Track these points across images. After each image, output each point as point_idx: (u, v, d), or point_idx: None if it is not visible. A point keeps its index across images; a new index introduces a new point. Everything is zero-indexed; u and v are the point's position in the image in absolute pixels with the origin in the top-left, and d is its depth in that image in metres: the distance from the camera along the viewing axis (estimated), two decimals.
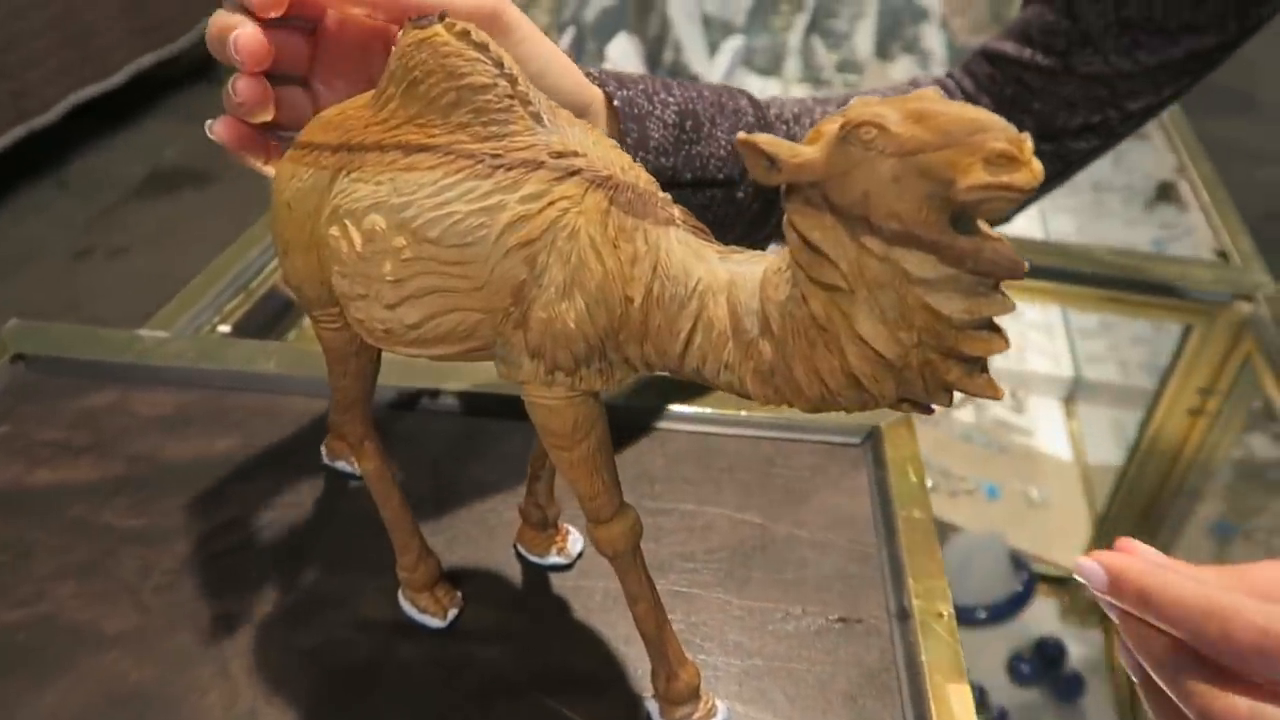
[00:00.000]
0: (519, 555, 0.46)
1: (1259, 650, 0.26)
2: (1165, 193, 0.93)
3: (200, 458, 0.50)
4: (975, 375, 0.25)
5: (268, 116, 0.37)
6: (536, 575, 0.45)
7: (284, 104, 0.39)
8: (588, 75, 0.44)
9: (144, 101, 3.23)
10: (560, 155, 0.29)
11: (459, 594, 0.43)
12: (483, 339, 0.31)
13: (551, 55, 0.40)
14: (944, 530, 0.91)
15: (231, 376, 0.55)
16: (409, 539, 0.41)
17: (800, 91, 1.73)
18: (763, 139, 0.24)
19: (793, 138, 0.51)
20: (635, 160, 0.34)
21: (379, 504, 0.41)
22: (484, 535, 0.47)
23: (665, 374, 0.31)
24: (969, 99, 0.58)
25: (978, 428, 1.03)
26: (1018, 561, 0.88)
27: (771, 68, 1.80)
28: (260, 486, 0.48)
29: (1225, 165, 0.94)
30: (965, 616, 0.86)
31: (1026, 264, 0.23)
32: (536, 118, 0.30)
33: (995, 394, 0.25)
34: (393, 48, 0.32)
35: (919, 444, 0.53)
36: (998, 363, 0.86)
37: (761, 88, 1.70)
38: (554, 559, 0.45)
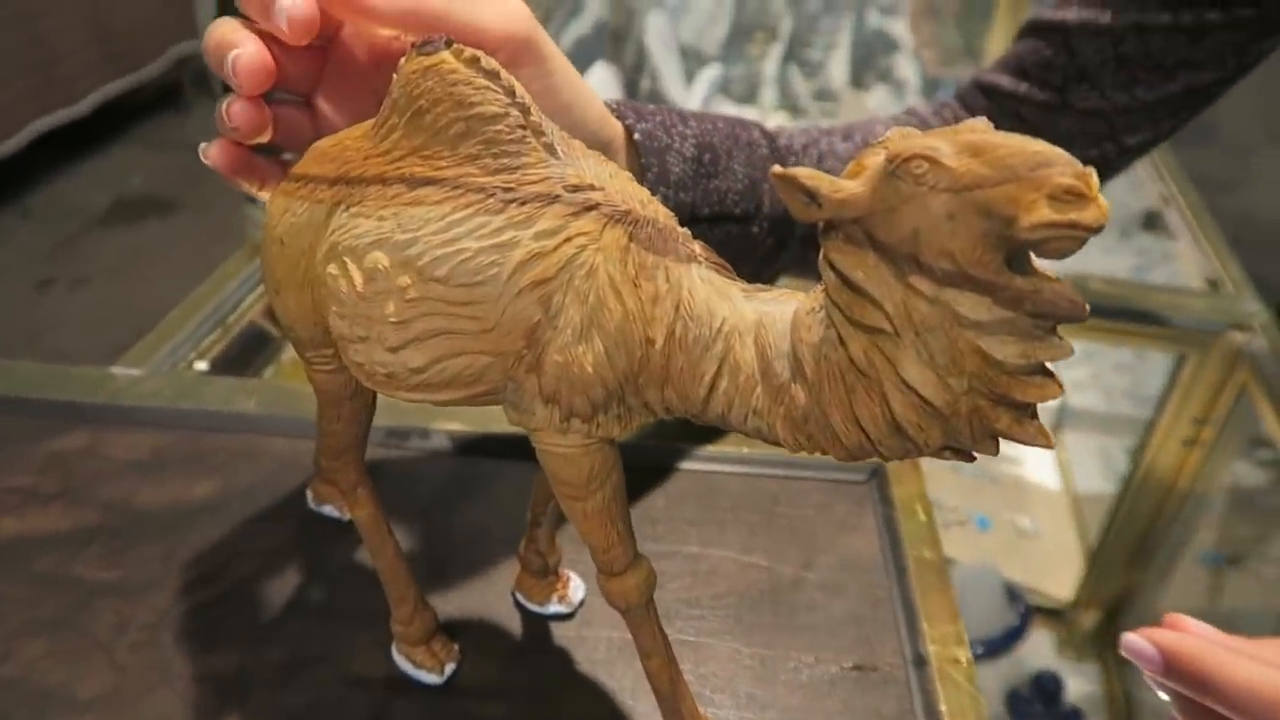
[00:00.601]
0: (518, 604, 0.44)
1: None
2: (1152, 221, 0.94)
3: (178, 503, 0.47)
4: (1025, 423, 0.24)
5: (265, 139, 0.35)
6: (537, 625, 0.43)
7: (283, 123, 0.36)
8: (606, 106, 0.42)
9: (110, 129, 3.19)
10: (577, 189, 0.28)
11: (456, 647, 0.41)
12: (492, 384, 0.29)
13: (580, 87, 0.39)
14: None
15: (210, 416, 0.52)
16: (405, 590, 0.39)
17: (778, 120, 1.73)
18: (803, 173, 0.23)
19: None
20: (655, 195, 0.33)
21: (372, 553, 0.39)
22: (481, 583, 0.44)
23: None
24: (984, 91, 0.57)
25: None
26: (1013, 594, 0.87)
27: (748, 96, 1.81)
28: (242, 534, 0.46)
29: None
30: None
31: (1088, 306, 0.22)
32: (550, 149, 0.28)
33: (1048, 443, 0.24)
34: (394, 74, 0.30)
35: (924, 479, 0.51)
36: None
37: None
38: (555, 608, 0.43)
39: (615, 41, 1.77)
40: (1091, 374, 1.14)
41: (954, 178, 0.21)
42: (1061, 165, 0.20)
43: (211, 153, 0.35)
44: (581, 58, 1.71)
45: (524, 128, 0.28)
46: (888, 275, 0.23)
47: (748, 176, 0.47)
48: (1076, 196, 0.20)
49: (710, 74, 1.66)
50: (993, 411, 0.23)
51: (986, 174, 0.21)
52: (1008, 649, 0.84)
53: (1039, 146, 0.21)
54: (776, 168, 0.24)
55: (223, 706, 0.39)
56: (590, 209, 0.28)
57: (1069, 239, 0.20)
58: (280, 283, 0.33)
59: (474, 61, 0.28)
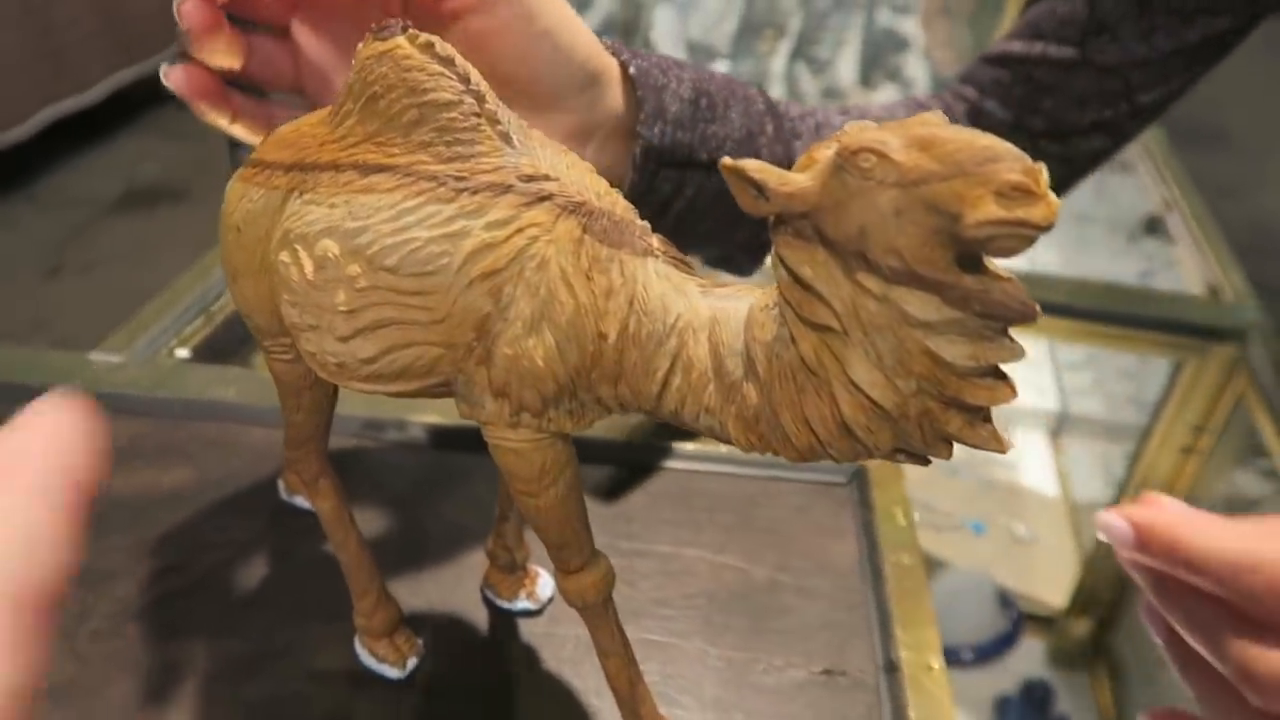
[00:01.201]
0: (486, 600, 0.43)
1: None
2: (1153, 226, 0.92)
3: (149, 492, 0.47)
4: (978, 426, 0.23)
5: (233, 63, 0.34)
6: (504, 622, 0.42)
7: (260, 56, 0.36)
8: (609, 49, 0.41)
9: (121, 118, 3.20)
10: (530, 179, 0.27)
11: (420, 642, 0.40)
12: (444, 375, 0.28)
13: (564, 14, 0.37)
14: (930, 567, 0.89)
15: (187, 405, 0.52)
16: (368, 583, 0.39)
17: None
18: (751, 165, 0.22)
19: (797, 136, 0.49)
20: (653, 130, 0.32)
21: (335, 546, 0.38)
22: (449, 578, 0.44)
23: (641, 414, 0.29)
24: (972, 107, 0.56)
25: (964, 462, 1.01)
26: (1005, 600, 0.86)
27: None
28: (211, 524, 0.46)
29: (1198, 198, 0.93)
30: (951, 657, 0.84)
31: (1038, 307, 0.21)
32: (505, 138, 0.28)
33: (1000, 447, 0.23)
34: (352, 60, 0.29)
35: (905, 482, 0.51)
36: None
37: None
38: (523, 604, 0.42)
39: (623, 36, 1.76)
40: (1094, 380, 1.13)
41: (901, 172, 0.20)
42: (1010, 161, 0.20)
43: (173, 75, 0.34)
44: None
45: (478, 115, 0.28)
46: (836, 272, 0.22)
47: (744, 128, 0.46)
48: (1025, 193, 0.19)
49: (718, 70, 1.66)
50: (943, 414, 0.23)
51: (934, 169, 0.20)
52: (998, 655, 0.83)
53: (988, 141, 0.20)
54: (725, 159, 0.23)
55: (182, 699, 0.38)
56: (544, 199, 0.27)
57: (1016, 237, 0.20)
58: (237, 270, 0.32)
59: (428, 47, 0.28)
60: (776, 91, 1.82)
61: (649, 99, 0.41)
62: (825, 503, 0.50)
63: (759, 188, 0.22)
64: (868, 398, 0.23)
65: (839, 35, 2.05)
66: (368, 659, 0.39)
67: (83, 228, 2.89)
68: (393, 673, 0.39)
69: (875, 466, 0.51)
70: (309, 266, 0.28)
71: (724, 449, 0.51)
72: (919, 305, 0.21)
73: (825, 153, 0.22)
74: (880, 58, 1.98)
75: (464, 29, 0.36)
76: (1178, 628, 0.27)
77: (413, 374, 0.29)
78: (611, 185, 0.36)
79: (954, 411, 0.23)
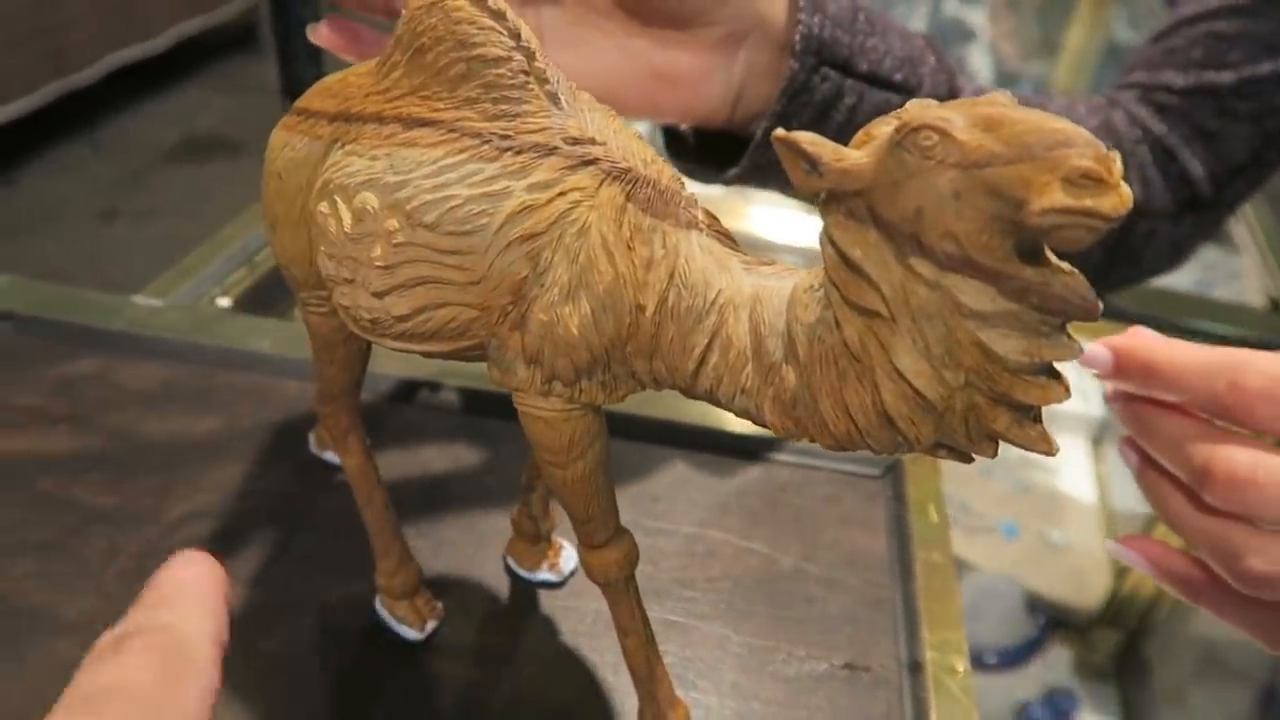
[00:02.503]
0: (508, 568, 0.43)
1: (1268, 396, 0.26)
2: (1223, 236, 0.90)
3: (181, 438, 0.47)
4: (1026, 426, 0.22)
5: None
6: (525, 591, 0.42)
7: None
8: None
9: (184, 68, 3.24)
10: (576, 141, 0.26)
11: (439, 605, 0.40)
12: (477, 338, 0.28)
13: None
14: (958, 568, 0.87)
15: (223, 353, 0.52)
16: (390, 542, 0.38)
17: None
18: (803, 137, 0.21)
19: (961, 89, 0.48)
20: (813, 18, 0.34)
21: (360, 504, 0.38)
22: (473, 544, 0.44)
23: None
24: (1145, 88, 0.55)
25: (1000, 463, 0.99)
26: (1033, 606, 0.84)
27: None
28: (241, 473, 0.46)
29: None
30: (975, 660, 0.83)
31: (1100, 305, 0.20)
32: (553, 98, 0.27)
33: (1049, 450, 0.22)
34: (402, 10, 0.29)
35: (941, 479, 0.49)
36: None
37: None
38: (545, 575, 0.42)
39: None
40: None
41: (964, 152, 0.19)
42: (1081, 146, 0.18)
43: (320, 32, 0.37)
44: None
45: (527, 73, 0.27)
46: (888, 255, 0.21)
47: (905, 50, 0.45)
48: (1095, 181, 0.18)
49: None
50: (991, 411, 0.22)
51: (999, 151, 0.19)
52: (1024, 661, 0.82)
53: (1060, 125, 0.19)
54: (779, 130, 0.22)
55: None
56: (588, 163, 0.26)
57: (1083, 227, 0.18)
58: (277, 219, 0.32)
59: (480, 0, 0.27)
60: None
61: None
62: (857, 494, 0.49)
63: (812, 161, 0.21)
64: (912, 388, 0.22)
65: (904, 23, 2.02)
66: (387, 619, 0.39)
67: (140, 174, 2.93)
68: (411, 634, 0.39)
69: (911, 461, 0.50)
70: (347, 218, 0.28)
71: (756, 432, 0.50)
72: (973, 295, 0.20)
73: (884, 129, 0.21)
74: (945, 47, 1.94)
75: None
76: (1148, 448, 0.29)
77: (446, 335, 0.28)
78: (759, 97, 0.35)
79: (1002, 409, 0.22)
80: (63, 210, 2.77)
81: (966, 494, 0.96)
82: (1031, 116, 0.19)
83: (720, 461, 0.50)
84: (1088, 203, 0.18)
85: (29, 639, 0.38)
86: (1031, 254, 0.20)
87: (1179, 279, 1.19)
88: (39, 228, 2.71)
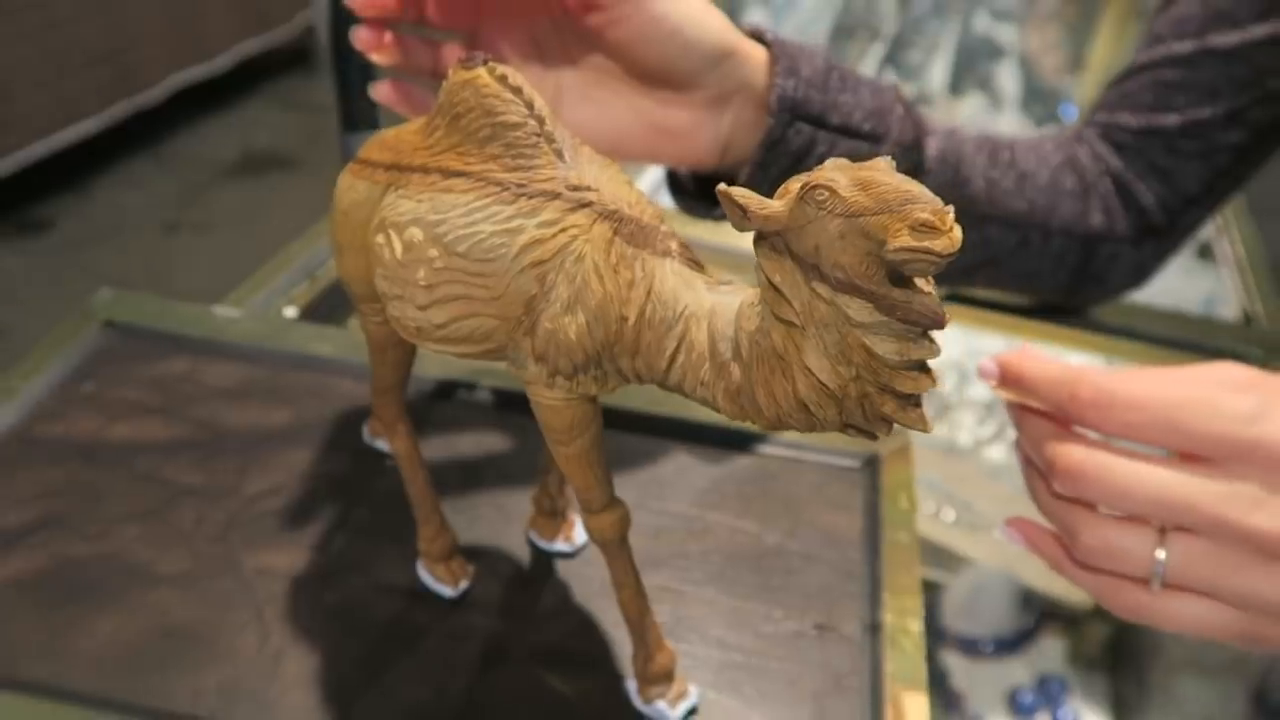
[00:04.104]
0: (529, 540, 0.50)
1: (1095, 404, 0.33)
2: (1205, 251, 0.94)
3: (256, 427, 0.55)
4: (909, 409, 0.29)
5: (390, 61, 0.44)
6: (543, 559, 0.49)
7: (448, 59, 0.46)
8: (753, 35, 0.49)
9: (244, 86, 3.38)
10: (576, 189, 0.34)
11: (471, 568, 0.47)
12: (498, 342, 0.35)
13: (689, 10, 0.45)
14: (957, 562, 0.93)
15: (291, 357, 0.60)
16: (430, 513, 0.46)
17: None
18: (737, 192, 0.28)
19: (929, 135, 0.56)
20: (788, 82, 0.43)
21: (406, 480, 0.46)
22: (500, 519, 0.51)
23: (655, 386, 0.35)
24: (1105, 129, 0.62)
25: (1009, 468, 1.04)
26: (1028, 598, 0.89)
27: None
28: (305, 458, 0.54)
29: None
30: (971, 648, 0.88)
31: (948, 317, 0.27)
32: (559, 154, 0.34)
33: (925, 427, 0.29)
34: (444, 83, 0.36)
35: (914, 471, 0.56)
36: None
37: None
38: (560, 546, 0.49)
39: None
40: None
41: (845, 205, 0.26)
42: (924, 203, 0.25)
43: (380, 90, 0.45)
44: None
45: (539, 135, 0.34)
46: (798, 279, 0.28)
47: (874, 103, 0.51)
48: (931, 229, 0.25)
49: None
50: (879, 397, 0.29)
51: (869, 205, 0.26)
52: (1017, 650, 0.87)
53: (911, 186, 0.26)
54: (721, 185, 0.29)
55: (271, 596, 0.46)
56: (585, 206, 0.34)
57: (924, 261, 0.25)
58: (342, 246, 0.40)
59: (503, 79, 0.34)
60: None
61: (783, 58, 0.48)
62: (839, 483, 0.55)
63: (742, 210, 0.28)
64: (818, 380, 0.29)
65: (933, 40, 2.06)
66: (426, 578, 0.47)
67: (201, 189, 3.07)
68: (446, 591, 0.47)
69: (888, 455, 0.56)
70: (399, 248, 0.36)
71: (752, 429, 0.57)
72: (857, 310, 0.27)
73: (794, 186, 0.28)
74: (972, 65, 1.98)
75: (603, 37, 0.45)
76: (1023, 444, 0.36)
77: (474, 339, 0.36)
78: (745, 146, 0.47)
79: (888, 396, 0.28)
80: (129, 222, 2.91)
81: (971, 496, 1.01)
82: (893, 180, 0.26)
83: (718, 453, 0.56)
84: (925, 244, 0.25)
85: (133, 588, 0.46)
86: (902, 280, 0.27)
87: (1192, 292, 1.24)
88: (108, 238, 2.85)
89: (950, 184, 0.57)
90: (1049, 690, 0.82)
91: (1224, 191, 0.62)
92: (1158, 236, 0.63)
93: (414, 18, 0.44)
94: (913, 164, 0.54)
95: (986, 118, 1.73)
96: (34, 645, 0.43)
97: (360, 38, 0.44)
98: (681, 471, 0.55)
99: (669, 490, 0.54)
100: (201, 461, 0.53)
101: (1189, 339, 0.74)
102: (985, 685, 0.84)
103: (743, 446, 0.57)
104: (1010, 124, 1.79)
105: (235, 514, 0.50)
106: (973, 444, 1.10)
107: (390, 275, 0.36)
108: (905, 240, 0.25)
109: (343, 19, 0.76)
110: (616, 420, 0.57)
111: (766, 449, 0.57)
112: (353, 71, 0.76)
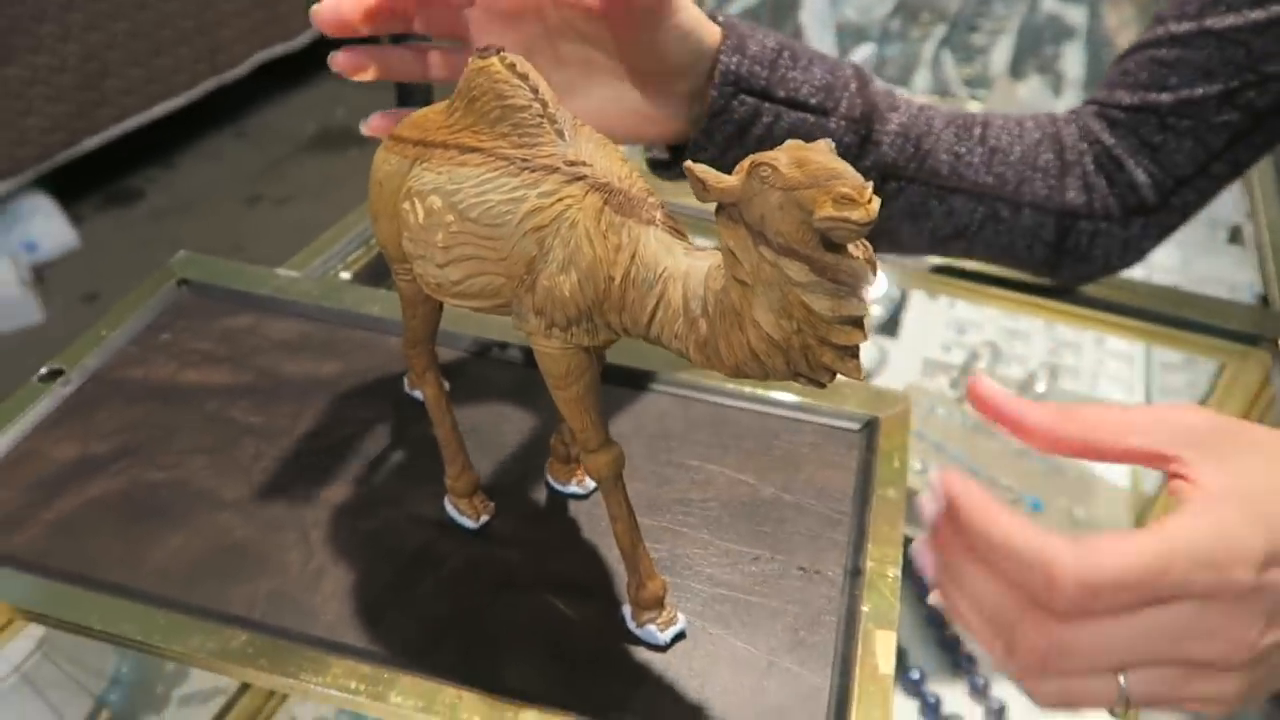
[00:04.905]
0: (546, 482, 0.55)
1: (1078, 600, 0.31)
2: (1235, 235, 0.95)
3: (310, 376, 0.62)
4: (846, 359, 0.33)
5: (374, 78, 0.50)
6: (557, 500, 0.55)
7: (453, 66, 0.52)
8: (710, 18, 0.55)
9: (321, 64, 3.48)
10: (572, 164, 0.39)
11: (492, 504, 0.53)
12: (504, 298, 0.40)
13: (693, 12, 0.52)
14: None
15: (343, 315, 0.66)
16: (455, 454, 0.52)
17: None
18: (698, 168, 0.33)
19: (890, 110, 0.60)
20: (731, 59, 0.48)
21: (435, 423, 0.51)
22: (520, 463, 0.56)
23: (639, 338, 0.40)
24: (1101, 106, 0.65)
25: None
26: None
27: (901, 78, 1.83)
28: (352, 404, 0.60)
29: None
30: None
31: (871, 276, 0.31)
32: (560, 134, 0.39)
33: (859, 376, 0.33)
34: (464, 70, 0.41)
35: (909, 436, 0.60)
36: (1067, 385, 0.91)
37: None
38: (573, 488, 0.55)
39: (777, 14, 1.83)
40: (1188, 382, 1.15)
41: (784, 180, 0.31)
42: (847, 179, 0.30)
43: (374, 122, 0.51)
44: None
45: (542, 116, 0.39)
46: (749, 244, 0.33)
47: (825, 79, 0.56)
48: (850, 201, 0.29)
49: (864, 52, 1.71)
50: (819, 349, 0.33)
51: (802, 179, 0.30)
52: None
53: (836, 164, 0.30)
54: (688, 163, 0.33)
55: (317, 520, 0.52)
56: (579, 179, 0.38)
57: (844, 229, 0.30)
58: (377, 213, 0.45)
59: (513, 66, 0.39)
60: (921, 78, 1.85)
61: (731, 37, 0.53)
62: (836, 443, 0.59)
63: (702, 183, 0.33)
64: (765, 332, 0.33)
65: (1000, 23, 2.05)
66: (452, 511, 0.53)
67: (280, 162, 3.19)
68: (469, 524, 0.52)
69: (886, 419, 0.60)
70: (421, 214, 0.41)
71: (759, 390, 0.61)
72: (795, 270, 0.32)
73: (746, 164, 0.32)
74: (1037, 47, 1.97)
75: (622, 40, 0.51)
76: (953, 585, 0.35)
77: (485, 295, 0.41)
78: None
79: (826, 347, 0.33)
80: (212, 194, 3.04)
81: (999, 471, 1.04)
82: (822, 158, 0.30)
83: (724, 411, 0.61)
84: (844, 214, 0.29)
85: (199, 511, 0.53)
86: (835, 245, 0.31)
87: (1231, 275, 1.24)
88: (192, 208, 2.99)
89: (911, 157, 0.61)
90: None
91: (1221, 174, 0.63)
92: (1149, 214, 0.65)
93: (395, 30, 0.50)
94: (860, 137, 0.58)
95: (1044, 101, 1.72)
96: (113, 555, 0.50)
97: (338, 62, 0.49)
98: (689, 427, 0.60)
99: (676, 444, 0.59)
100: (261, 405, 0.60)
101: (1210, 322, 0.75)
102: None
103: (745, 405, 0.61)
104: (1070, 107, 1.78)
105: (288, 450, 0.56)
106: None
107: (414, 238, 0.41)
108: (829, 210, 0.29)
109: None
110: (632, 379, 0.62)
111: (770, 409, 0.61)
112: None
